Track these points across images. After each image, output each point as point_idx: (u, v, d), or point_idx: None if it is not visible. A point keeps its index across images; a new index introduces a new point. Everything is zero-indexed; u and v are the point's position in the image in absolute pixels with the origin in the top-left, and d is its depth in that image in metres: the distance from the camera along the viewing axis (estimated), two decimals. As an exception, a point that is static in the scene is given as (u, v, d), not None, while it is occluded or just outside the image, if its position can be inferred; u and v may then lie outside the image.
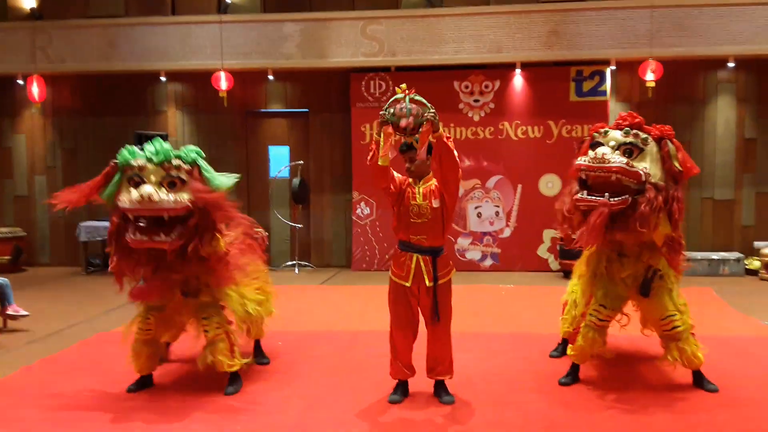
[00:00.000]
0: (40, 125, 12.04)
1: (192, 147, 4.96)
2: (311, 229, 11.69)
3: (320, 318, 7.84)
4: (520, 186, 10.98)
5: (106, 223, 10.59)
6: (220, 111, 11.35)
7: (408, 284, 4.86)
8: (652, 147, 4.88)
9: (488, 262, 11.09)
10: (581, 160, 4.93)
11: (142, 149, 4.85)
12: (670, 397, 4.97)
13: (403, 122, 4.61)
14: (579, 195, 4.90)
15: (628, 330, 5.54)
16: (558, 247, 10.62)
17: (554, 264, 10.90)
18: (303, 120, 11.67)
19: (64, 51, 11.15)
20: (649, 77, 10.21)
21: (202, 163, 4.90)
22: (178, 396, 5.10)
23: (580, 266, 5.68)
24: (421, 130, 4.63)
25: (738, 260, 10.37)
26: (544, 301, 8.62)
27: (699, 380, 5.15)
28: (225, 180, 4.96)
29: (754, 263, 10.41)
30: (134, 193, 4.62)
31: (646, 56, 10.20)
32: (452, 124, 10.95)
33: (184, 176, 4.77)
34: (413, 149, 4.88)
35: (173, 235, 4.69)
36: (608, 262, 5.15)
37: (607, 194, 4.75)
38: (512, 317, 7.83)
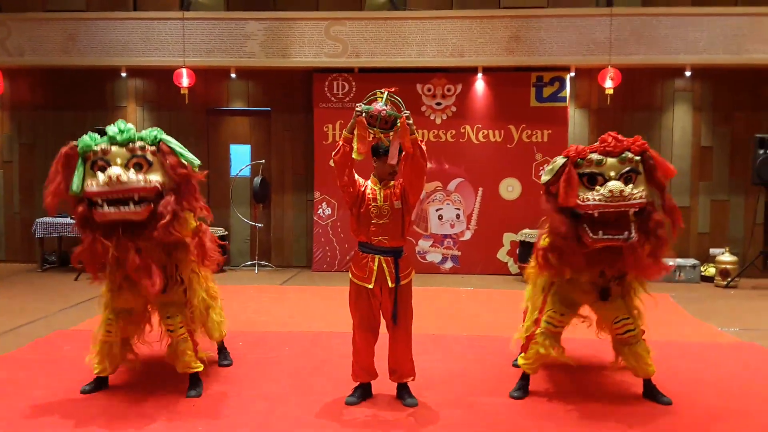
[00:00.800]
0: (-3, 119, 11.86)
1: (154, 128, 4.88)
2: (272, 228, 11.65)
3: (280, 319, 7.82)
4: (480, 189, 11.05)
5: (63, 220, 10.71)
6: (181, 108, 11.27)
7: (370, 286, 4.85)
8: (640, 167, 4.74)
9: (448, 264, 11.15)
10: (591, 199, 4.61)
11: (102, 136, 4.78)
12: (626, 405, 5.01)
13: (378, 108, 4.64)
14: (595, 236, 4.60)
15: (584, 335, 5.59)
16: (517, 251, 10.71)
17: (514, 267, 10.98)
18: (265, 119, 11.63)
19: (23, 44, 10.98)
20: (608, 84, 10.35)
21: (167, 137, 4.82)
22: (137, 397, 5.03)
23: (532, 271, 5.67)
24: (395, 129, 4.65)
25: (694, 267, 10.53)
26: (504, 305, 8.70)
27: (652, 392, 5.10)
28: (193, 157, 4.92)
29: (710, 270, 10.59)
30: (101, 177, 4.55)
31: (605, 63, 10.34)
32: (414, 127, 10.94)
33: (149, 156, 4.70)
34: (387, 153, 4.84)
35: (142, 206, 4.60)
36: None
37: (626, 233, 4.60)
38: (472, 320, 7.87)
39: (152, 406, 4.85)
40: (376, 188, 4.95)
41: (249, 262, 11.44)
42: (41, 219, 10.89)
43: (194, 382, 5.16)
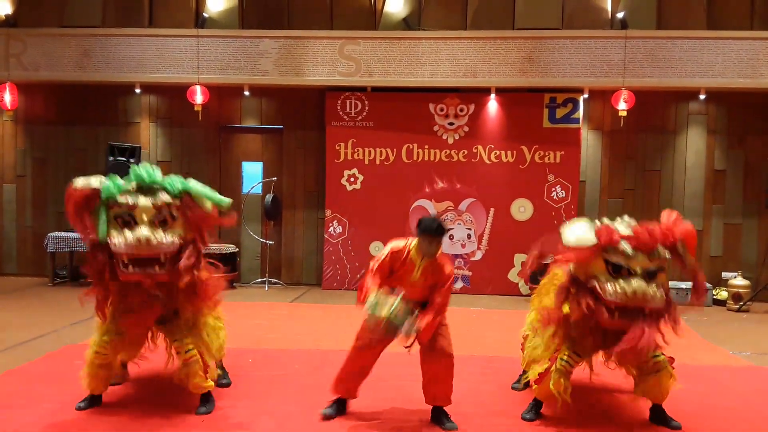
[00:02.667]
0: (11, 133, 11.91)
1: (176, 177, 4.85)
2: (282, 246, 11.64)
3: (290, 336, 7.79)
4: (492, 209, 11.03)
5: (75, 235, 10.70)
6: (194, 125, 11.31)
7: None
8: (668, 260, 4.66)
9: (459, 284, 11.10)
10: (611, 291, 4.52)
11: (122, 176, 4.77)
12: (638, 429, 4.98)
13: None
14: (611, 318, 4.57)
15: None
16: (529, 272, 10.63)
17: (524, 288, 10.93)
18: (277, 136, 11.65)
19: (38, 59, 11.06)
20: (622, 106, 10.34)
21: (192, 186, 4.80)
22: (146, 413, 5.01)
23: (538, 298, 5.62)
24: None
25: (706, 290, 10.45)
26: (514, 325, 8.60)
27: (661, 417, 5.04)
28: (221, 198, 4.92)
29: (722, 294, 10.51)
30: (129, 236, 4.52)
31: (619, 86, 10.33)
32: (427, 146, 11.01)
33: (175, 213, 4.71)
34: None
35: (167, 267, 4.62)
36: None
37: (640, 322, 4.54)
38: (482, 340, 7.83)
39: (160, 423, 4.83)
40: (416, 260, 4.87)
41: (259, 279, 11.42)
42: (53, 233, 10.91)
43: (205, 399, 5.13)
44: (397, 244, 4.92)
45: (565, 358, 4.96)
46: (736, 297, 10.10)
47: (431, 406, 5.03)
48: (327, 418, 4.96)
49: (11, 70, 11.05)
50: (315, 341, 7.51)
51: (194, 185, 4.83)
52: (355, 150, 11.12)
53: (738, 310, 9.97)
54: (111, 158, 10.54)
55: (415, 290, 4.85)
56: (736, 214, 11.06)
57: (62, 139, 11.79)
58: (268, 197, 11.12)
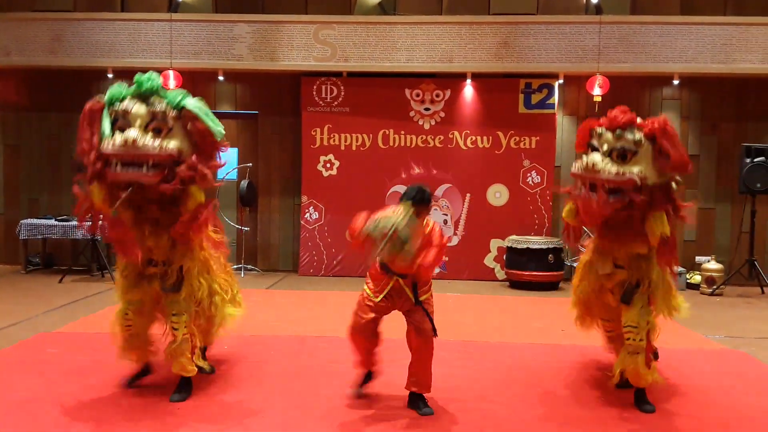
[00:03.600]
0: (-18, 119, 11.76)
1: (181, 90, 4.83)
2: (258, 232, 11.59)
3: (266, 323, 7.76)
4: (468, 195, 11.05)
5: (48, 222, 10.63)
6: (168, 110, 11.18)
7: (378, 300, 4.86)
8: (646, 147, 4.71)
9: (435, 270, 11.09)
10: (574, 168, 4.88)
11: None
12: (615, 412, 5.00)
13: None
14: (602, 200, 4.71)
15: (593, 342, 5.58)
16: (504, 257, 10.71)
17: (500, 273, 10.98)
18: (253, 122, 11.57)
19: (8, 44, 10.88)
20: (597, 92, 10.37)
21: (191, 103, 4.77)
22: (124, 399, 5.01)
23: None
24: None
25: (680, 274, 10.53)
26: (490, 310, 8.70)
27: (638, 399, 5.09)
28: (218, 125, 4.91)
29: (695, 278, 10.62)
30: (118, 138, 4.52)
31: (594, 71, 10.36)
32: (403, 132, 10.99)
33: (170, 122, 4.66)
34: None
35: (154, 171, 4.59)
36: (603, 270, 5.11)
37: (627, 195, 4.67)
38: (458, 326, 7.83)
39: (139, 409, 4.80)
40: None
41: (235, 266, 11.30)
42: (25, 220, 10.79)
43: (182, 386, 5.09)
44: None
45: (628, 336, 5.00)
46: (710, 281, 10.20)
47: (408, 392, 5.02)
48: (359, 396, 5.05)
49: (-19, 55, 10.89)
50: (292, 327, 7.49)
51: (195, 103, 4.80)
52: (331, 136, 11.08)
53: (711, 294, 10.06)
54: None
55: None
56: (710, 199, 11.16)
57: (35, 125, 11.63)
58: (244, 183, 11.05)
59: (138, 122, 4.61)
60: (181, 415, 4.75)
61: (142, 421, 4.62)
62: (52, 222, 10.66)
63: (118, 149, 4.51)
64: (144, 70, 10.83)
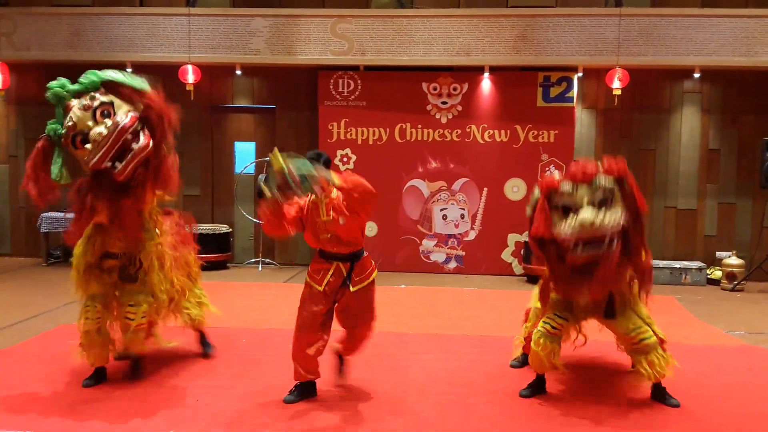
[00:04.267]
0: (3, 113, 11.85)
1: (90, 72, 4.93)
2: (276, 226, 11.58)
3: (283, 316, 7.73)
4: (485, 189, 11.00)
5: (68, 214, 10.64)
6: (186, 105, 11.01)
7: (320, 288, 4.83)
8: (617, 190, 4.69)
9: (452, 264, 11.10)
10: (564, 231, 4.59)
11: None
12: (633, 408, 4.97)
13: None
14: (575, 251, 4.60)
15: (592, 336, 5.55)
16: (522, 252, 10.67)
17: (518, 268, 10.93)
18: (270, 116, 11.59)
19: (29, 39, 10.97)
20: (616, 85, 10.28)
21: (107, 76, 4.88)
22: (139, 391, 5.05)
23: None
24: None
25: (700, 269, 10.46)
26: (508, 305, 8.66)
27: (660, 395, 5.05)
28: (139, 81, 4.98)
29: (716, 273, 10.52)
30: (88, 146, 4.65)
31: (613, 64, 10.27)
32: (420, 126, 10.96)
33: (103, 98, 4.77)
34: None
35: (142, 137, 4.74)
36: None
37: (604, 244, 4.57)
38: (475, 320, 7.83)
39: (154, 401, 4.85)
40: (318, 202, 4.77)
41: (253, 260, 11.41)
42: (46, 213, 10.89)
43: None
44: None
45: (548, 320, 5.02)
46: (730, 276, 10.10)
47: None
48: (290, 403, 4.91)
49: (2, 50, 10.98)
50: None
51: (110, 74, 4.90)
52: (348, 130, 11.07)
53: (732, 290, 9.97)
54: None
55: (337, 232, 4.74)
56: (730, 194, 11.04)
57: (54, 118, 11.68)
58: (261, 177, 11.03)
59: (89, 123, 4.70)
60: (198, 407, 4.80)
61: (157, 411, 4.67)
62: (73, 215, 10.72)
63: (96, 153, 4.62)
64: (162, 65, 11.01)
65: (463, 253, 11.11)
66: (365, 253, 4.96)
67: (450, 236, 11.09)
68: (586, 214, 4.53)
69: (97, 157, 4.63)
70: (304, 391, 5.01)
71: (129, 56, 10.88)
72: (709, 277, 10.56)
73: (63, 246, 11.36)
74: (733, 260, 10.19)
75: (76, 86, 4.84)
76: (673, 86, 11.00)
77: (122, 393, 5.00)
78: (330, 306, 4.91)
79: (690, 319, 8.09)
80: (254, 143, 11.70)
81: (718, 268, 10.50)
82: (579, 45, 10.36)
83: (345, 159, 11.07)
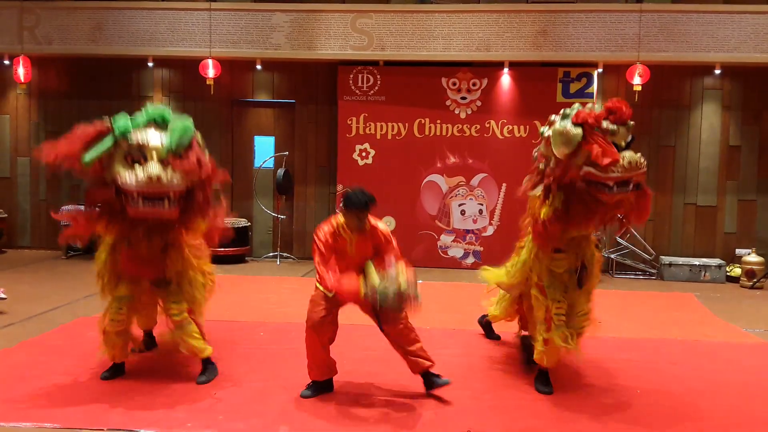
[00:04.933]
0: (25, 106, 11.96)
1: (176, 133, 4.82)
2: (294, 220, 11.66)
3: (301, 310, 7.75)
4: (504, 185, 10.99)
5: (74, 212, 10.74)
6: (206, 99, 11.30)
7: (330, 294, 4.82)
8: None
9: (470, 259, 11.10)
10: (612, 172, 4.60)
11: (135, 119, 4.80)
12: (646, 403, 4.99)
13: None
14: (611, 192, 4.70)
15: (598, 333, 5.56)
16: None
17: (535, 264, 10.90)
18: (289, 111, 11.64)
19: (51, 32, 11.07)
20: (636, 81, 10.24)
21: (177, 141, 4.81)
22: (158, 384, 5.10)
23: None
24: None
25: (719, 267, 10.41)
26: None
27: (542, 379, 5.20)
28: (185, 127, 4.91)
29: (735, 270, 10.47)
30: (140, 174, 4.54)
31: (634, 60, 10.23)
32: (439, 121, 10.96)
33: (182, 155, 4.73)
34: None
35: (175, 205, 4.67)
36: (550, 260, 5.16)
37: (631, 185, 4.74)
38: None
39: (172, 395, 4.89)
40: (347, 236, 4.87)
41: (271, 254, 11.46)
42: (67, 207, 10.96)
43: (206, 367, 5.20)
44: (324, 229, 4.88)
45: (556, 311, 5.02)
46: (750, 274, 10.05)
47: (420, 374, 5.04)
48: (307, 398, 4.94)
49: (24, 44, 11.07)
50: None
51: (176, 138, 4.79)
52: (367, 125, 11.09)
53: (751, 287, 9.92)
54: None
55: (354, 261, 4.89)
56: (751, 191, 10.97)
57: (75, 112, 11.79)
58: (280, 172, 11.12)
59: (155, 155, 4.65)
60: (216, 399, 4.85)
61: (178, 403, 4.72)
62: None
63: (141, 186, 4.55)
64: (183, 59, 11.07)
65: (481, 249, 11.11)
66: None
67: (468, 231, 11.09)
68: (632, 153, 4.66)
69: (135, 188, 4.59)
70: (321, 386, 5.04)
71: (150, 50, 10.97)
72: (728, 274, 10.51)
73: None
74: (752, 258, 10.13)
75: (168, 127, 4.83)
76: (694, 82, 10.94)
77: (140, 386, 5.05)
78: (337, 310, 4.95)
79: (709, 316, 8.06)
80: (274, 137, 11.75)
81: (738, 265, 10.44)
82: (599, 41, 10.32)
83: (364, 154, 11.10)
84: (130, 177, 4.57)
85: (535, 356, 5.21)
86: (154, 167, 4.55)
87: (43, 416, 4.47)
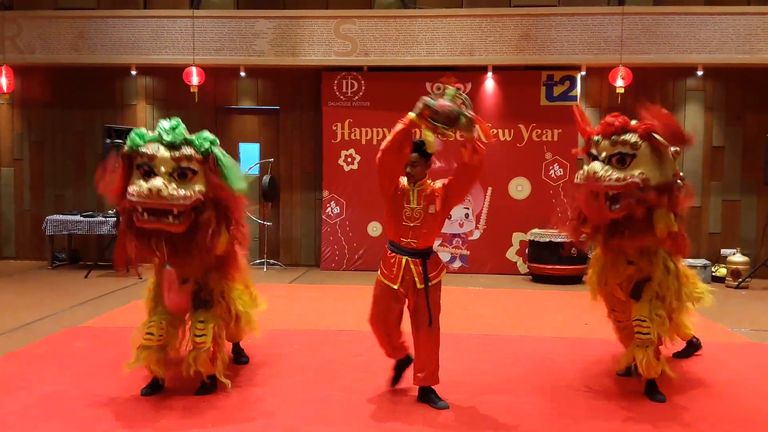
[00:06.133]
0: (8, 116, 11.89)
1: (207, 134, 4.80)
2: (280, 227, 11.64)
3: (289, 317, 7.80)
4: (490, 188, 11.01)
5: (73, 217, 10.76)
6: (190, 106, 11.26)
7: (395, 287, 4.81)
8: (644, 148, 4.74)
9: (457, 263, 11.11)
10: (577, 178, 4.93)
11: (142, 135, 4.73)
12: (638, 404, 5.00)
13: (443, 104, 4.60)
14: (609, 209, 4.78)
15: (599, 335, 5.57)
16: (527, 251, 10.67)
17: (523, 267, 10.94)
18: (274, 117, 11.62)
19: (33, 42, 11.02)
20: (619, 83, 10.30)
21: (219, 153, 4.75)
22: (149, 398, 5.04)
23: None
24: (458, 126, 4.62)
25: (705, 267, 10.45)
26: (512, 304, 8.68)
27: (649, 390, 5.10)
28: (242, 182, 4.85)
29: (721, 270, 10.52)
30: (143, 186, 4.49)
31: (617, 62, 10.29)
32: (423, 126, 10.94)
33: (195, 167, 4.65)
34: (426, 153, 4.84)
35: (181, 219, 4.57)
36: (613, 267, 5.19)
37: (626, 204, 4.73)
38: (480, 319, 7.84)
39: (163, 406, 4.85)
40: (409, 188, 4.83)
41: (258, 261, 11.43)
42: (51, 216, 10.92)
43: (205, 383, 5.09)
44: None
45: (638, 329, 5.02)
46: (735, 274, 10.11)
47: (418, 387, 5.00)
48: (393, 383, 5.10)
49: (6, 53, 11.01)
50: (314, 321, 7.52)
51: (222, 156, 4.75)
52: (352, 130, 11.09)
53: (737, 287, 9.98)
54: (108, 140, 10.52)
55: (422, 229, 4.80)
56: (735, 191, 11.05)
57: (59, 121, 11.77)
58: (266, 178, 11.11)
59: (163, 168, 4.58)
60: (204, 407, 4.81)
61: (165, 416, 4.66)
62: (78, 218, 10.80)
63: (142, 199, 4.49)
64: (167, 67, 11.05)
65: (468, 253, 11.13)
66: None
67: (454, 235, 11.11)
68: (595, 166, 4.75)
69: (136, 201, 4.53)
70: (401, 366, 5.17)
71: (133, 59, 10.93)
72: (713, 274, 10.56)
73: (68, 249, 11.41)
74: (737, 257, 10.20)
75: (186, 137, 4.74)
76: (677, 84, 11.01)
77: (132, 397, 5.01)
78: (403, 305, 4.94)
79: (694, 316, 8.02)
80: (258, 144, 11.73)
81: (723, 265, 10.50)
82: (582, 44, 10.38)
83: (349, 159, 11.10)
84: (132, 189, 4.55)
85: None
86: (157, 180, 4.50)
87: (30, 428, 4.42)
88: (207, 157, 4.70)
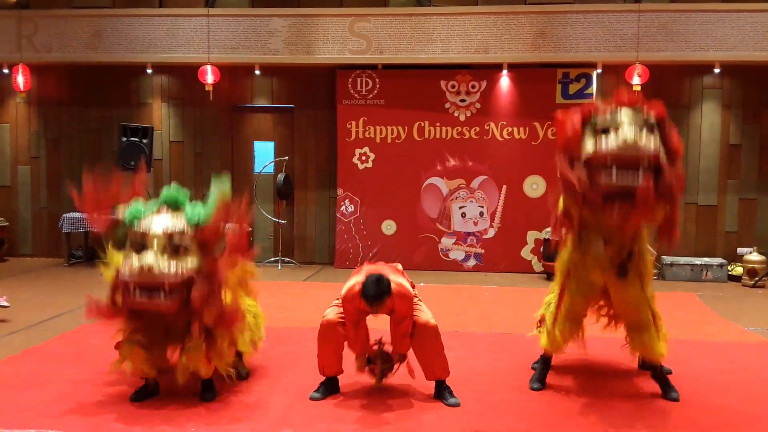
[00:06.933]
0: (25, 115, 11.97)
1: (201, 206, 4.76)
2: (295, 225, 11.66)
3: (303, 315, 7.81)
4: (504, 187, 10.98)
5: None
6: (205, 105, 11.31)
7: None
8: (656, 130, 4.58)
9: (471, 262, 11.09)
10: (604, 147, 4.44)
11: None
12: (647, 403, 4.97)
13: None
14: (608, 178, 4.44)
15: (602, 334, 5.54)
16: (542, 249, 10.64)
17: (537, 265, 10.91)
18: (288, 116, 11.64)
19: (50, 40, 11.08)
20: (636, 81, 10.23)
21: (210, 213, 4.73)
22: (164, 398, 5.00)
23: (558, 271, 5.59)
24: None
25: (721, 266, 10.40)
26: (527, 303, 8.62)
27: (661, 380, 5.08)
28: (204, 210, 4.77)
29: (737, 269, 10.45)
30: (135, 263, 4.43)
31: (633, 60, 10.23)
32: (438, 124, 10.96)
33: (187, 243, 4.58)
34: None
35: (173, 297, 4.49)
36: (590, 244, 4.90)
37: (638, 177, 4.40)
38: (494, 318, 7.82)
39: (173, 405, 4.85)
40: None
41: (272, 259, 11.45)
42: (68, 214, 10.98)
43: (207, 386, 4.99)
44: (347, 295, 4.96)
45: (566, 305, 5.01)
46: (752, 272, 10.04)
47: (433, 382, 5.04)
48: (316, 400, 4.97)
49: (23, 52, 11.08)
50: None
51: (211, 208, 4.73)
52: (367, 128, 11.09)
53: (753, 286, 9.90)
54: (124, 139, 10.60)
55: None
56: (751, 189, 10.96)
57: (75, 120, 11.84)
58: (280, 177, 11.12)
59: (155, 243, 4.50)
60: (218, 403, 4.84)
61: (176, 417, 4.67)
62: (94, 216, 10.84)
63: (133, 276, 4.43)
64: (182, 66, 11.08)
65: (482, 251, 11.10)
66: None
67: (469, 234, 11.09)
68: (629, 132, 4.39)
69: (128, 279, 4.47)
70: (330, 387, 5.10)
71: (149, 57, 10.98)
72: (730, 273, 10.49)
73: (85, 246, 11.48)
74: (754, 256, 10.12)
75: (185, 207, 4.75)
76: (693, 82, 10.94)
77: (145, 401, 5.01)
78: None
79: (711, 315, 8.04)
80: (273, 143, 11.75)
81: (739, 264, 10.43)
82: (598, 41, 10.33)
83: (363, 158, 11.10)
84: (124, 266, 4.51)
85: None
86: (149, 256, 4.44)
87: (47, 424, 4.45)
88: (199, 229, 4.66)
